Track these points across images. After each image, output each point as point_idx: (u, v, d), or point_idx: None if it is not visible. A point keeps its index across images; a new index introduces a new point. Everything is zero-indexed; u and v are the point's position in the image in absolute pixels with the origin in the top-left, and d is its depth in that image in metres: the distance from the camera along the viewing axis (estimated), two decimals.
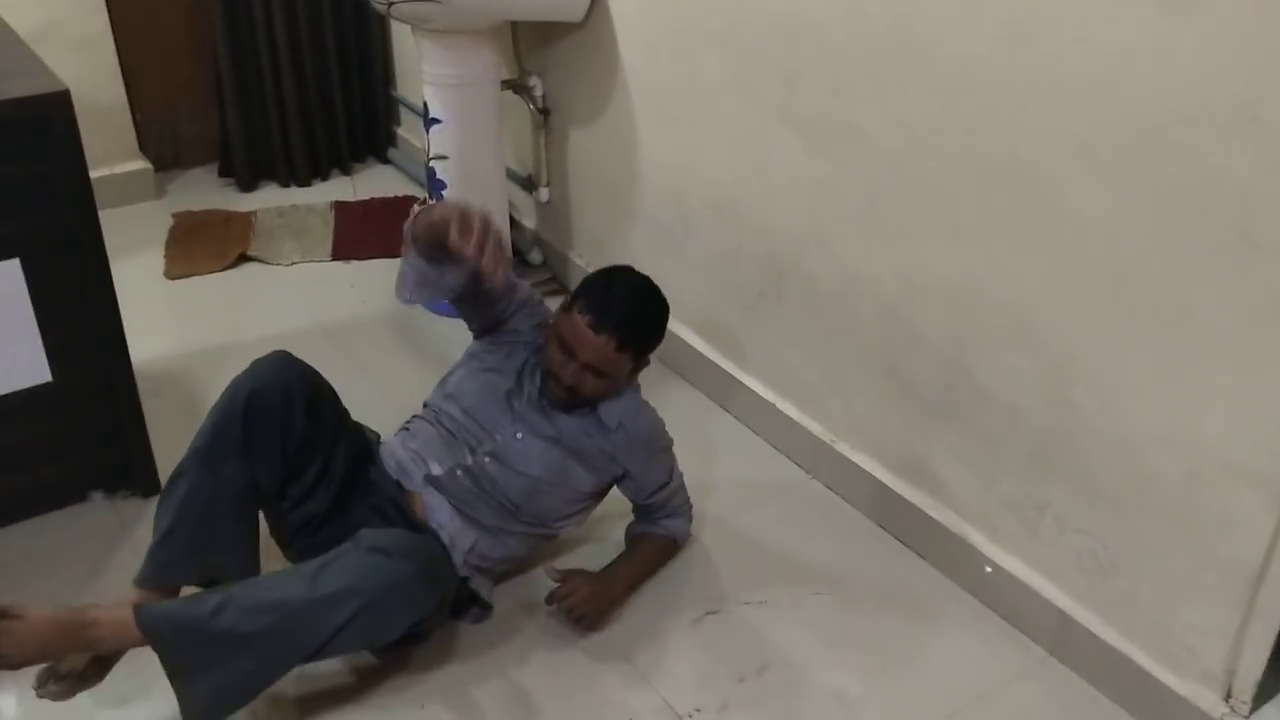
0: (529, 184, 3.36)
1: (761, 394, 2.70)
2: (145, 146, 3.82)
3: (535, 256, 3.39)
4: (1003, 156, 1.95)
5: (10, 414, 2.29)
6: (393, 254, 3.48)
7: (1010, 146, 1.94)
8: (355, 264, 3.48)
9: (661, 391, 2.88)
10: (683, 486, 2.32)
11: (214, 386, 2.82)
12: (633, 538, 2.32)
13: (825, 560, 2.38)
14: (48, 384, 2.30)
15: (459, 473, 2.10)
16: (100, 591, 2.25)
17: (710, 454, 2.68)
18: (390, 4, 2.72)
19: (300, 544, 2.06)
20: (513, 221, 3.29)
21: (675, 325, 2.91)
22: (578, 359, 2.02)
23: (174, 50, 3.81)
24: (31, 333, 2.24)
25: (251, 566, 1.99)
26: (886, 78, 2.13)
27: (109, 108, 3.61)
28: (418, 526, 2.04)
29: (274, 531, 2.11)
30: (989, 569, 2.22)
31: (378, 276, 3.39)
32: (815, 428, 2.59)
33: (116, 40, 3.60)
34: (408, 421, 2.24)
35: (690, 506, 2.35)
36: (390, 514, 2.05)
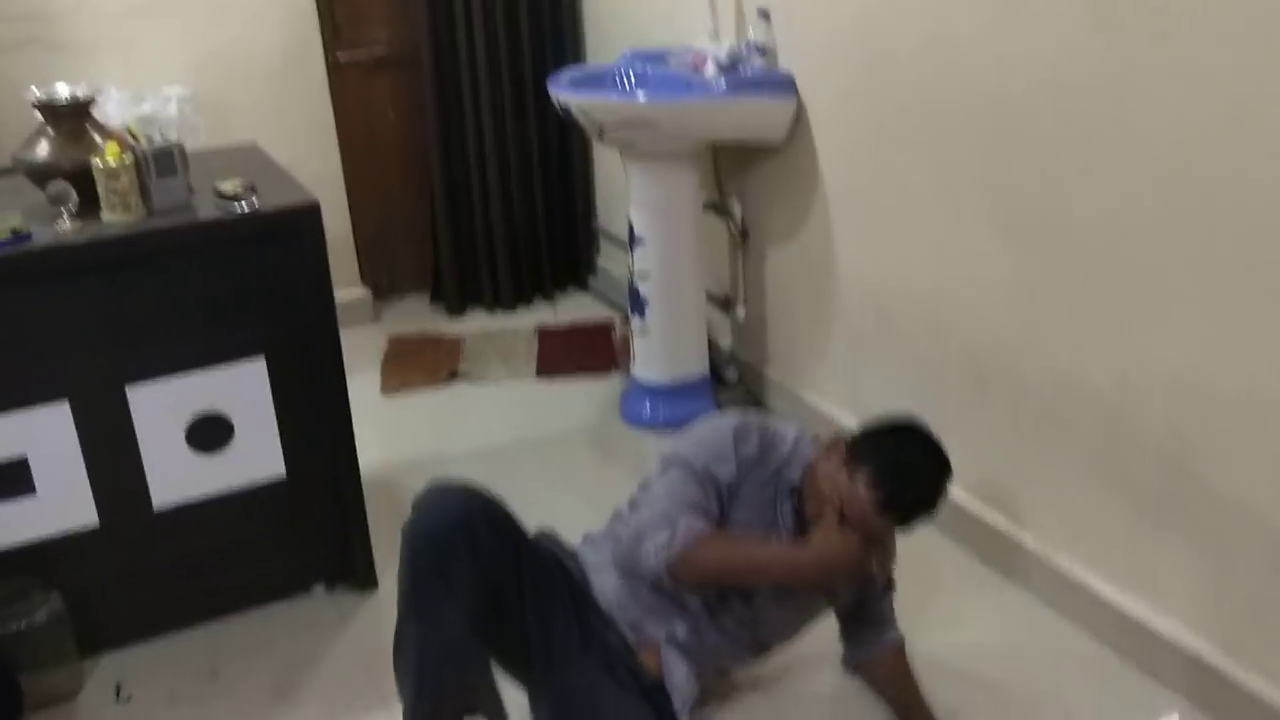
0: (725, 304, 3.44)
1: (967, 506, 2.64)
2: (365, 275, 4.10)
3: (731, 374, 3.44)
4: (1228, 244, 1.91)
5: (248, 507, 2.44)
6: (592, 372, 3.62)
7: (1236, 233, 1.89)
8: (558, 382, 3.61)
9: None
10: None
11: None
12: (892, 674, 2.22)
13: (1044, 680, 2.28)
14: (282, 480, 2.46)
15: (699, 623, 2.05)
16: (319, 677, 2.35)
17: (910, 569, 2.62)
18: (603, 129, 2.89)
19: (530, 677, 2.03)
20: (710, 342, 3.36)
21: None
22: (882, 545, 1.99)
23: (393, 189, 4.12)
24: (271, 428, 2.41)
25: (494, 698, 1.96)
26: (1100, 167, 2.12)
27: (336, 239, 3.90)
28: (648, 691, 1.99)
29: (500, 658, 2.04)
30: None
31: (578, 394, 3.51)
32: (1026, 539, 2.51)
33: (345, 179, 3.92)
34: (605, 551, 2.11)
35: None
36: (621, 675, 1.98)
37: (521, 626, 1.99)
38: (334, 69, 3.83)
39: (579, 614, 2.03)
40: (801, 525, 2.02)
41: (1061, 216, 2.24)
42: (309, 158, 3.75)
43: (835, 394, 3.07)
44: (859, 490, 1.91)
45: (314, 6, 3.72)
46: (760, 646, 2.13)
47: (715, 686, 2.22)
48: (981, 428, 2.57)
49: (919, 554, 2.67)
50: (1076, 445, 2.33)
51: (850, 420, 3.00)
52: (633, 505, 2.10)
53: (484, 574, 1.90)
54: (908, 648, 2.22)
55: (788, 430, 2.08)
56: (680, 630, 2.03)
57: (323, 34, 3.76)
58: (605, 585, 2.05)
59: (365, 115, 3.98)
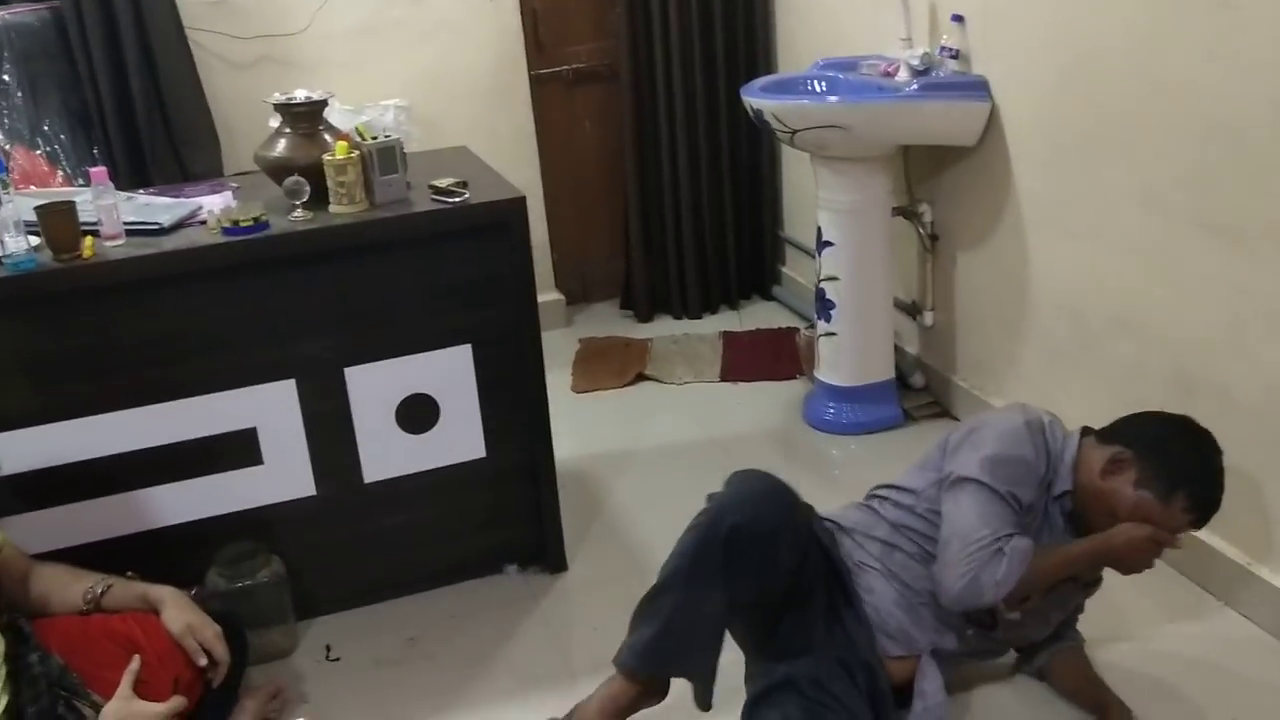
0: (913, 309, 3.43)
1: None
2: (559, 281, 4.26)
3: (917, 380, 3.43)
4: None
5: (450, 486, 2.59)
6: (776, 377, 3.66)
7: None
8: (742, 385, 3.66)
9: None
10: None
11: (614, 486, 3.09)
12: (1081, 673, 2.21)
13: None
14: (482, 460, 2.60)
15: (970, 633, 2.06)
16: (511, 651, 2.46)
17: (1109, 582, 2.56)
18: (794, 132, 2.94)
19: (761, 655, 2.05)
20: (896, 347, 3.36)
21: None
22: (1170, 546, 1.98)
23: (589, 199, 4.27)
24: (474, 412, 2.55)
25: (712, 674, 1.96)
26: None
27: (534, 245, 4.04)
28: (877, 695, 1.99)
29: (734, 631, 2.06)
30: None
31: (762, 396, 3.56)
32: (1229, 550, 2.42)
33: (544, 189, 4.09)
34: (880, 554, 2.09)
35: None
36: (854, 673, 1.98)
37: (777, 620, 2.00)
38: (536, 83, 4.01)
39: (832, 610, 2.03)
40: (1075, 529, 2.02)
41: (1275, 215, 2.17)
42: (511, 167, 3.89)
43: (1027, 402, 3.01)
44: (1173, 511, 1.93)
45: (519, 25, 3.91)
46: (1007, 649, 2.17)
47: None
48: None
49: None
50: None
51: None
52: (896, 505, 2.11)
53: (763, 585, 1.92)
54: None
55: (1045, 420, 2.06)
56: (949, 643, 2.05)
57: (527, 50, 3.95)
58: (875, 589, 2.06)
59: (564, 127, 4.15)
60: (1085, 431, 2.08)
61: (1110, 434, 2.06)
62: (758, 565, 1.88)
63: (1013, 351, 3.04)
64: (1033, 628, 2.12)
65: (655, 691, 1.96)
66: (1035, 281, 2.90)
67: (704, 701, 1.95)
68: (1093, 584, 2.18)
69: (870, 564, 2.08)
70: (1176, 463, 1.96)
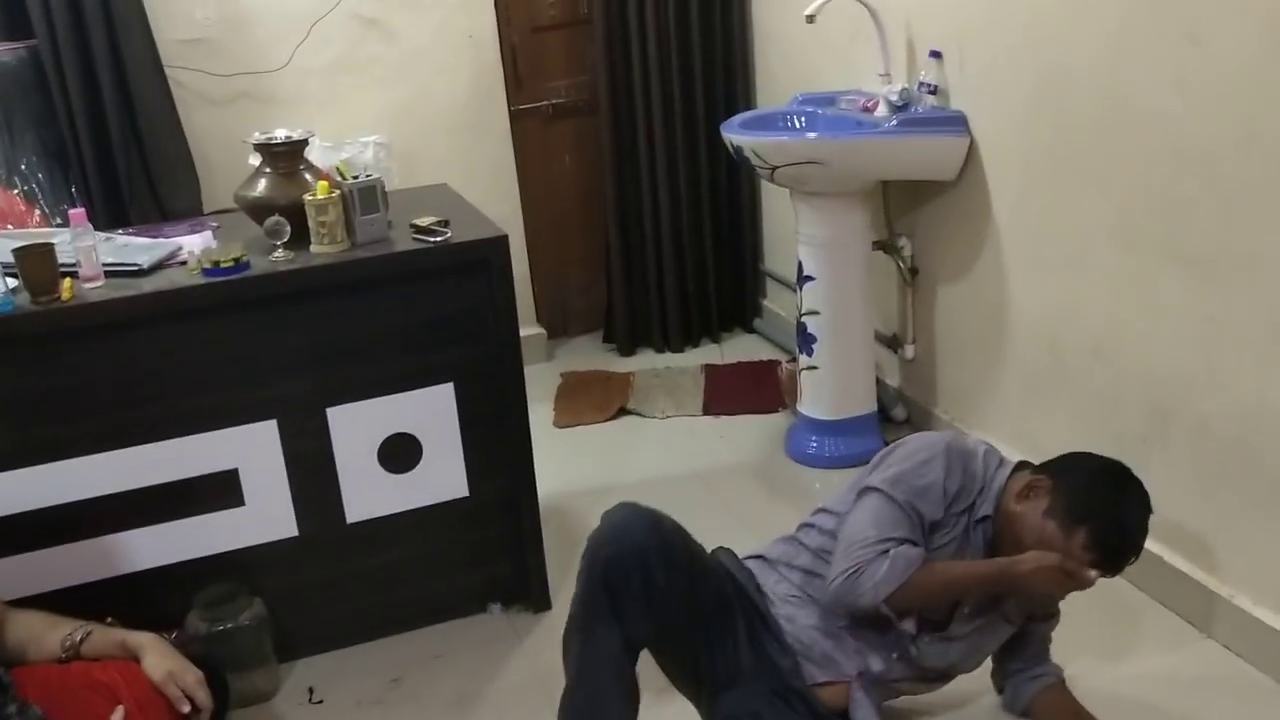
0: (894, 342, 3.45)
1: (1150, 548, 2.57)
2: (540, 315, 4.26)
3: (899, 413, 3.44)
4: None
5: (432, 525, 2.58)
6: (758, 410, 3.67)
7: None
8: (724, 418, 3.66)
9: None
10: None
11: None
12: (1065, 708, 2.18)
13: None
14: (464, 499, 2.59)
15: (895, 656, 2.05)
16: (496, 691, 2.45)
17: (1088, 610, 2.56)
18: (774, 168, 2.96)
19: (699, 695, 2.07)
20: (877, 380, 3.37)
21: None
22: (1075, 590, 1.96)
23: (569, 232, 4.27)
24: (456, 450, 2.54)
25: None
26: None
27: (514, 280, 4.07)
28: (821, 717, 2.00)
29: (668, 673, 2.10)
30: None
31: (745, 430, 3.56)
32: (1210, 582, 2.43)
33: (524, 223, 4.09)
34: (801, 583, 2.10)
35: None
36: (794, 702, 1.99)
37: (691, 651, 2.02)
38: (515, 117, 4.02)
39: (753, 640, 2.05)
40: (991, 554, 2.01)
41: (1244, 246, 2.20)
42: (491, 201, 3.90)
43: (1007, 433, 3.03)
44: (1074, 546, 1.91)
45: (498, 59, 3.92)
46: (943, 678, 2.14)
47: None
48: (1162, 465, 2.50)
49: (1093, 596, 2.61)
50: (1265, 483, 2.26)
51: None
52: (820, 530, 2.11)
53: (651, 610, 1.93)
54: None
55: (978, 449, 2.07)
56: (875, 665, 2.04)
57: (506, 85, 3.96)
58: (794, 617, 2.07)
59: (544, 161, 4.16)
60: (1022, 465, 2.09)
61: (1041, 465, 2.07)
62: (639, 590, 1.90)
63: (992, 383, 3.05)
64: (959, 655, 2.08)
65: None
66: (1013, 313, 2.92)
67: None
68: (1051, 616, 2.18)
69: (792, 594, 2.09)
70: (1087, 497, 1.94)
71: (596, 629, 1.93)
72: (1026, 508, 1.97)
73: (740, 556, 2.19)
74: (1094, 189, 2.56)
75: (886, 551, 1.92)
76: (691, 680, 2.07)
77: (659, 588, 1.92)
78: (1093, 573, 1.90)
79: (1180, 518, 2.48)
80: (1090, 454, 2.09)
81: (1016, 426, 2.99)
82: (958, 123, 2.94)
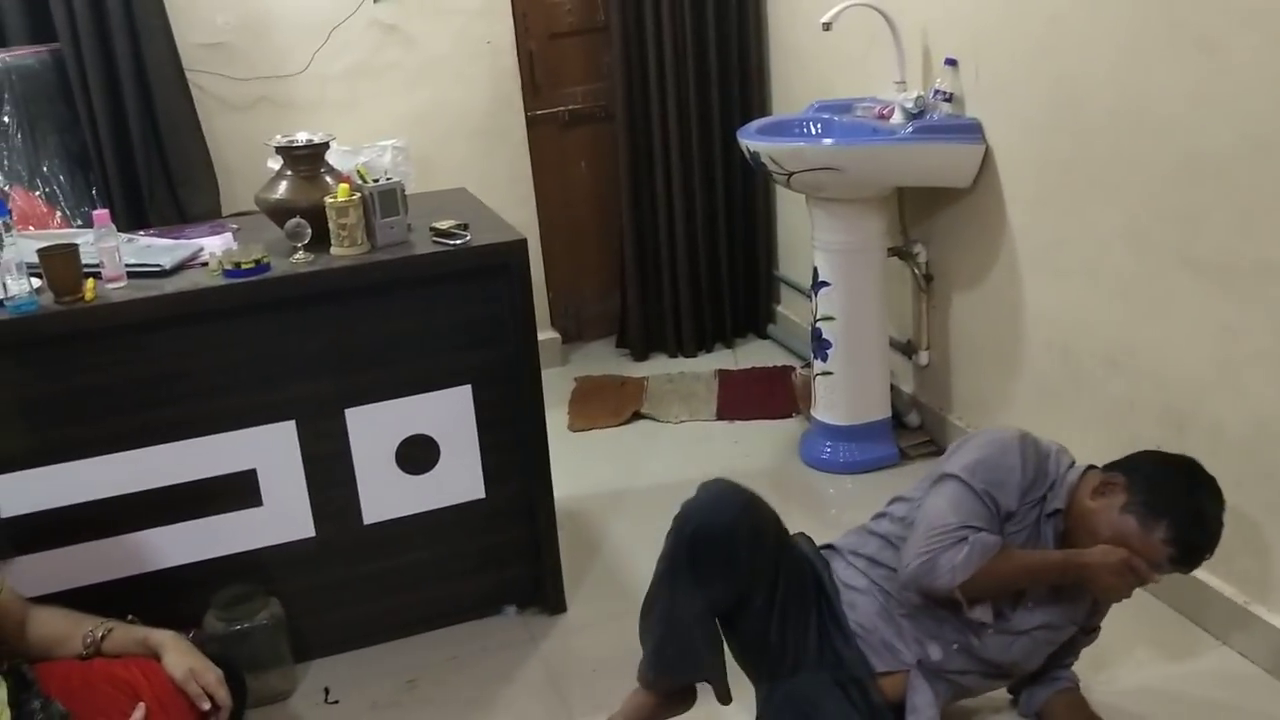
0: (908, 349, 3.45)
1: None
2: (555, 320, 4.28)
3: (913, 419, 3.44)
4: None
5: (449, 527, 2.59)
6: (772, 416, 3.68)
7: None
8: (738, 424, 3.67)
9: None
10: None
11: (612, 526, 3.09)
12: (1076, 711, 2.19)
13: None
14: (481, 501, 2.60)
15: (955, 647, 2.06)
16: (512, 693, 2.46)
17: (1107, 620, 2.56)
18: (790, 174, 2.97)
19: (760, 676, 2.12)
20: (892, 386, 3.37)
21: None
22: (1143, 584, 1.98)
23: (584, 238, 4.30)
24: (474, 453, 2.55)
25: (721, 670, 2.05)
26: None
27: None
28: (875, 712, 2.02)
29: (733, 647, 2.14)
30: None
31: (758, 435, 3.57)
32: (1226, 589, 2.43)
33: (540, 229, 4.11)
34: (865, 569, 2.13)
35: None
36: (851, 693, 2.03)
37: (763, 633, 2.07)
38: (532, 123, 4.05)
39: (821, 628, 2.09)
40: (1061, 548, 2.03)
41: (1260, 252, 2.21)
42: (507, 207, 3.92)
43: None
44: (1153, 540, 1.92)
45: (516, 66, 3.95)
46: (1002, 674, 2.13)
47: None
48: None
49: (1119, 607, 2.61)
50: None
51: None
52: (892, 519, 2.15)
53: (734, 586, 2.01)
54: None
55: (1050, 448, 2.09)
56: (935, 654, 2.05)
57: (523, 91, 3.99)
58: (858, 604, 2.10)
59: (560, 167, 4.19)
60: (1091, 468, 2.10)
61: (1114, 464, 2.09)
62: (722, 564, 1.98)
63: (1007, 390, 3.06)
64: (1020, 653, 2.08)
65: (679, 700, 2.08)
66: (1028, 320, 2.93)
67: (723, 696, 2.05)
68: (1092, 631, 2.19)
69: (855, 582, 2.12)
70: (1166, 494, 1.96)
71: (681, 589, 2.01)
72: (1102, 504, 1.99)
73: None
74: (1108, 196, 2.57)
75: (965, 538, 1.96)
76: (757, 659, 2.12)
77: (743, 567, 2.00)
78: (1168, 568, 1.95)
79: None
80: (1160, 452, 2.11)
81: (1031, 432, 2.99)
82: (973, 130, 2.95)
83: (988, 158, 2.95)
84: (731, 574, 1.99)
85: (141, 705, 1.84)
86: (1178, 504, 1.95)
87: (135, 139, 3.34)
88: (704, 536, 1.98)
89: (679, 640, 2.02)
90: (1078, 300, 2.73)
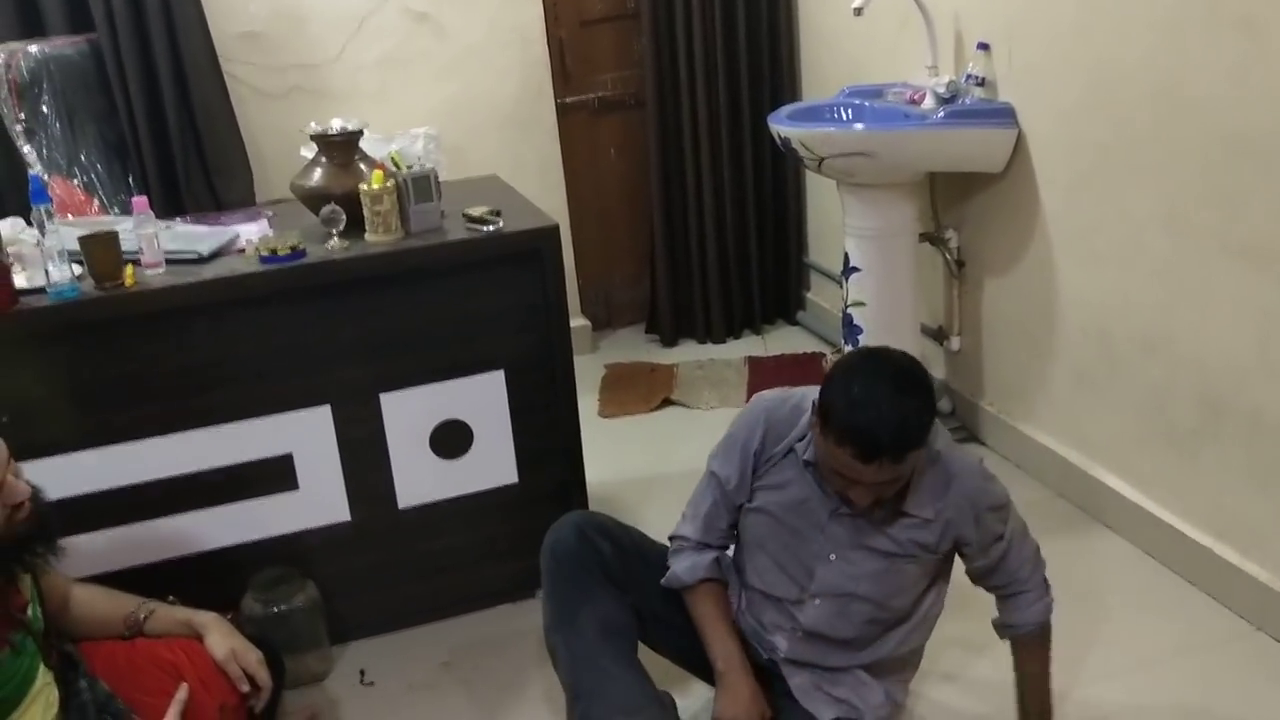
0: (939, 335, 3.44)
1: (1202, 541, 2.56)
2: (585, 307, 4.29)
3: (944, 405, 3.43)
4: None
5: (482, 511, 2.61)
6: None
7: None
8: None
9: (1083, 540, 2.81)
10: (1030, 554, 2.02)
11: (643, 511, 3.10)
12: (1016, 655, 2.09)
13: None
14: (514, 485, 2.62)
15: (797, 634, 2.02)
16: (545, 677, 2.47)
17: (1148, 612, 2.55)
18: (821, 159, 2.97)
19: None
20: None
21: (1096, 469, 2.86)
22: (862, 484, 1.82)
23: (614, 225, 4.31)
24: (507, 438, 2.57)
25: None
26: None
27: None
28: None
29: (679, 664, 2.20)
30: None
31: None
32: (1262, 574, 2.42)
33: (569, 216, 4.12)
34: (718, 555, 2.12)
35: (1042, 576, 2.04)
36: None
37: (682, 639, 2.09)
38: (562, 111, 4.05)
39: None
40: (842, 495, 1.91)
41: None
42: (538, 195, 3.93)
43: (1055, 427, 3.03)
44: (832, 449, 1.79)
45: (546, 54, 3.95)
46: (864, 639, 2.01)
47: None
48: (1214, 459, 2.50)
49: (1144, 590, 2.61)
50: None
51: (1071, 454, 2.95)
52: None
53: (612, 580, 2.06)
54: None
55: (810, 400, 1.95)
56: (782, 644, 2.03)
57: (553, 79, 3.99)
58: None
59: (590, 155, 4.20)
60: None
61: None
62: (592, 561, 2.07)
63: (1040, 376, 3.05)
64: (859, 614, 1.97)
65: None
66: (1062, 305, 2.91)
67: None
68: (988, 545, 1.98)
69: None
70: (826, 398, 1.80)
71: (575, 619, 2.03)
72: (814, 430, 1.87)
73: None
74: (1146, 179, 2.55)
75: (677, 550, 2.10)
76: (696, 667, 2.13)
77: (607, 555, 2.07)
78: (855, 465, 1.77)
79: (1233, 511, 2.47)
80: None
81: (1065, 420, 2.98)
82: (1005, 114, 2.93)
83: (1020, 142, 2.93)
84: (604, 568, 2.06)
85: (184, 685, 1.87)
86: (835, 402, 1.79)
87: (171, 128, 3.37)
88: (561, 548, 2.08)
89: (586, 673, 2.00)
90: (1114, 285, 2.72)
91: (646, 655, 2.10)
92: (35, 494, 1.78)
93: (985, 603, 2.08)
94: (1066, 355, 2.93)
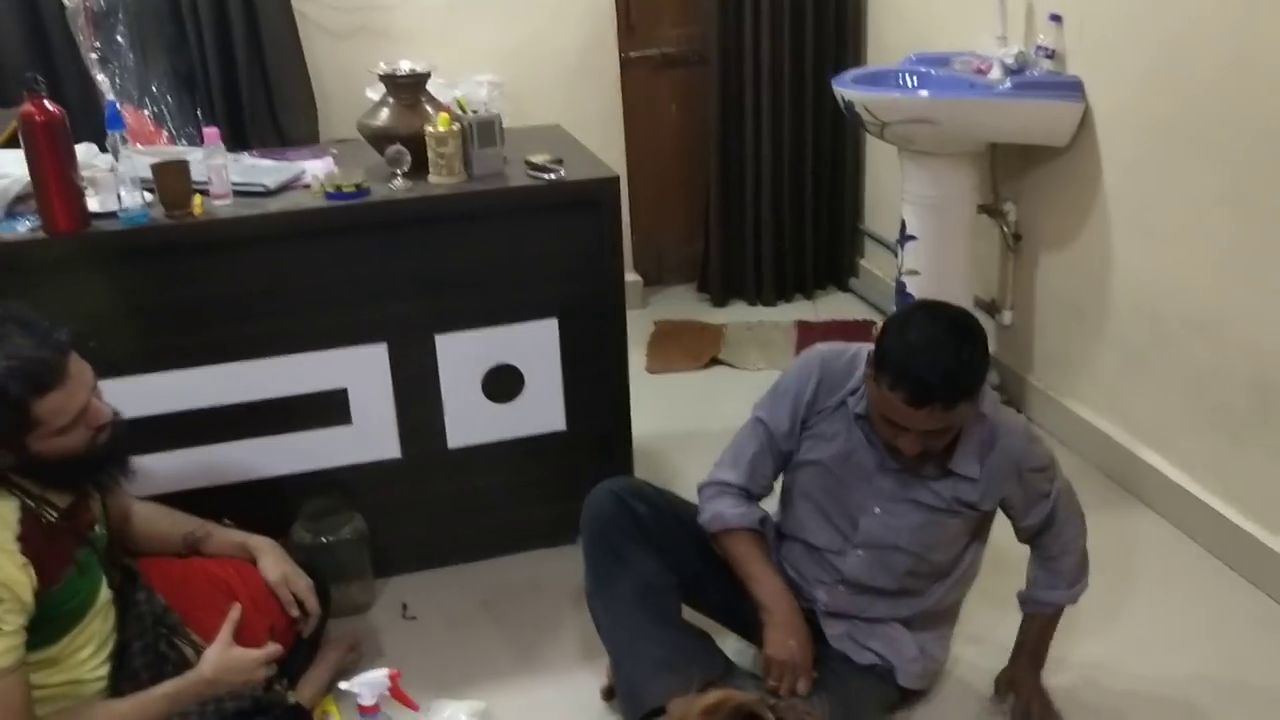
0: (991, 308, 3.43)
1: (1243, 525, 2.55)
2: (637, 263, 4.31)
3: (992, 378, 3.42)
4: None
5: (530, 455, 2.66)
6: None
7: None
8: None
9: (1126, 522, 2.81)
10: (1077, 517, 2.05)
11: (686, 464, 3.13)
12: (1024, 619, 2.14)
13: None
14: (561, 432, 2.66)
15: (840, 587, 2.07)
16: (580, 620, 2.51)
17: (1183, 591, 2.56)
18: (884, 125, 2.96)
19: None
20: None
21: (1140, 448, 2.86)
22: (911, 432, 1.85)
23: (670, 181, 4.31)
24: (557, 385, 2.61)
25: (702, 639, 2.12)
26: None
27: None
28: None
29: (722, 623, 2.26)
30: None
31: None
32: None
33: (627, 170, 4.13)
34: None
35: (1083, 548, 2.08)
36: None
37: (721, 596, 2.15)
38: (625, 65, 4.05)
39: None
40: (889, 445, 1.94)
41: None
42: (597, 147, 3.92)
43: (1102, 404, 3.02)
44: (885, 395, 1.82)
45: (612, 6, 3.95)
46: (905, 590, 2.06)
47: None
48: (1263, 442, 2.48)
49: (1187, 577, 2.61)
50: None
51: (1116, 432, 2.95)
52: None
53: (650, 543, 2.10)
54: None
55: (861, 355, 2.01)
56: (823, 596, 2.09)
57: (618, 32, 3.99)
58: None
59: (650, 110, 4.20)
60: None
61: None
62: (629, 524, 2.12)
63: (1089, 352, 3.03)
64: (899, 562, 2.02)
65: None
66: (1116, 283, 2.90)
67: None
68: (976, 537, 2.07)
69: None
70: (883, 345, 1.85)
71: (614, 584, 2.08)
72: (868, 380, 1.91)
73: None
74: (1210, 157, 2.52)
75: (714, 495, 2.13)
76: (738, 624, 2.19)
77: (644, 517, 2.12)
78: (909, 410, 1.80)
79: (1278, 497, 2.46)
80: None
81: (1112, 398, 2.98)
82: (1073, 88, 2.90)
83: (1087, 116, 2.91)
84: (642, 531, 2.10)
85: (238, 605, 1.94)
86: (891, 347, 1.83)
87: (240, 62, 3.41)
88: (602, 517, 2.13)
89: (623, 636, 2.06)
90: (1170, 264, 2.70)
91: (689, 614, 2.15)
92: (114, 416, 1.84)
93: (1018, 563, 2.11)
94: (1116, 333, 2.92)
